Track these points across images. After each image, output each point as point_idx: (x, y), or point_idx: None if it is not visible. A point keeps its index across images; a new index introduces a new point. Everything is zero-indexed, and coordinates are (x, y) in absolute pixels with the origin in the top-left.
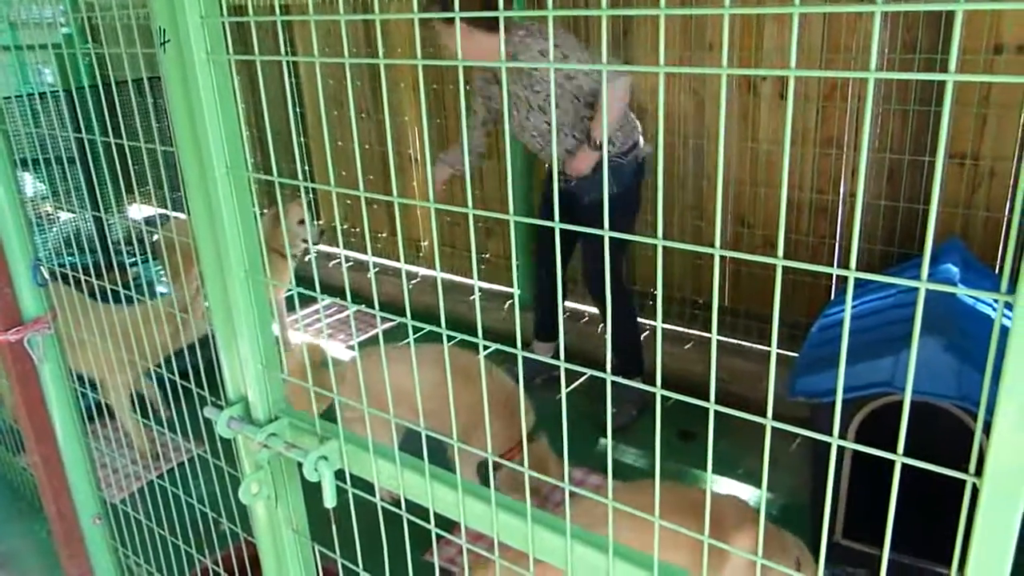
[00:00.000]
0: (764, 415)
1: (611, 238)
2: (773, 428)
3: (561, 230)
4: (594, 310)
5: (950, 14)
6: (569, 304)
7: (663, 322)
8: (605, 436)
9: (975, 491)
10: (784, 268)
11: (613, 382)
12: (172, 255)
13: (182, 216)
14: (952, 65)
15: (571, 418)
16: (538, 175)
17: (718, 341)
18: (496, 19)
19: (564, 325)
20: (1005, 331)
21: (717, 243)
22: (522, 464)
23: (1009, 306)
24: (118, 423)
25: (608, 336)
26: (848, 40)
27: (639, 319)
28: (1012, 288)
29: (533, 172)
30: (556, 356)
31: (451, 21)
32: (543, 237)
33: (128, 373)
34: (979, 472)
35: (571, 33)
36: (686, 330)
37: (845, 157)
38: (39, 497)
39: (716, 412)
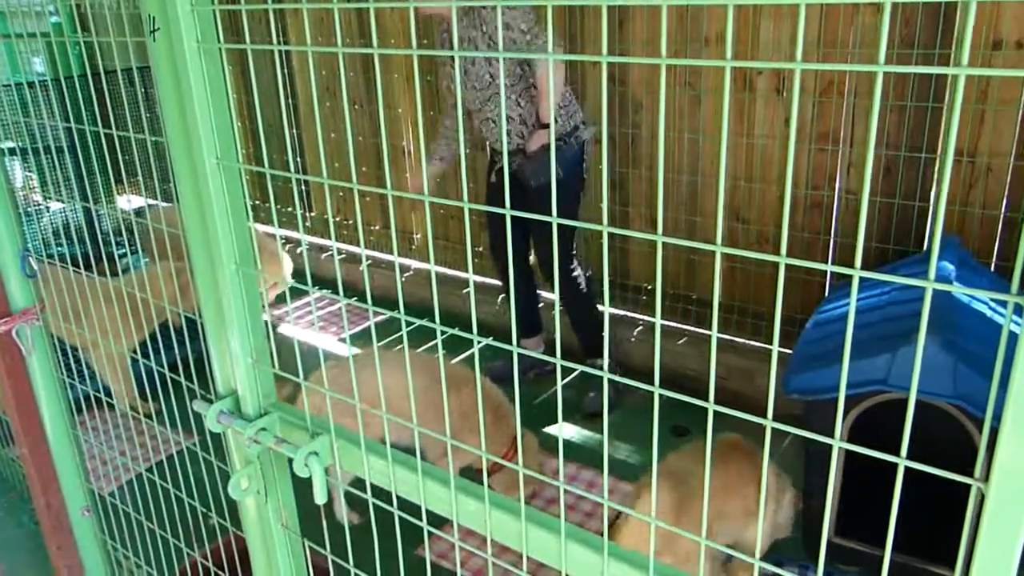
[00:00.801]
0: (759, 412)
1: (559, 226)
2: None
3: (512, 218)
4: None
5: (949, 9)
6: (550, 296)
7: (656, 317)
8: (595, 430)
9: (981, 496)
10: (787, 264)
11: (586, 365)
12: (157, 244)
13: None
14: (965, 58)
15: (563, 412)
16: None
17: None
18: None
19: (550, 319)
20: (1011, 333)
21: (719, 240)
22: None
23: (1019, 308)
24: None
25: (586, 322)
26: (845, 35)
27: (619, 311)
28: (1023, 289)
29: None
30: (548, 351)
31: None
32: (493, 227)
33: (124, 343)
34: (986, 477)
35: None
36: (680, 325)
37: (840, 153)
38: (28, 488)
39: (717, 410)
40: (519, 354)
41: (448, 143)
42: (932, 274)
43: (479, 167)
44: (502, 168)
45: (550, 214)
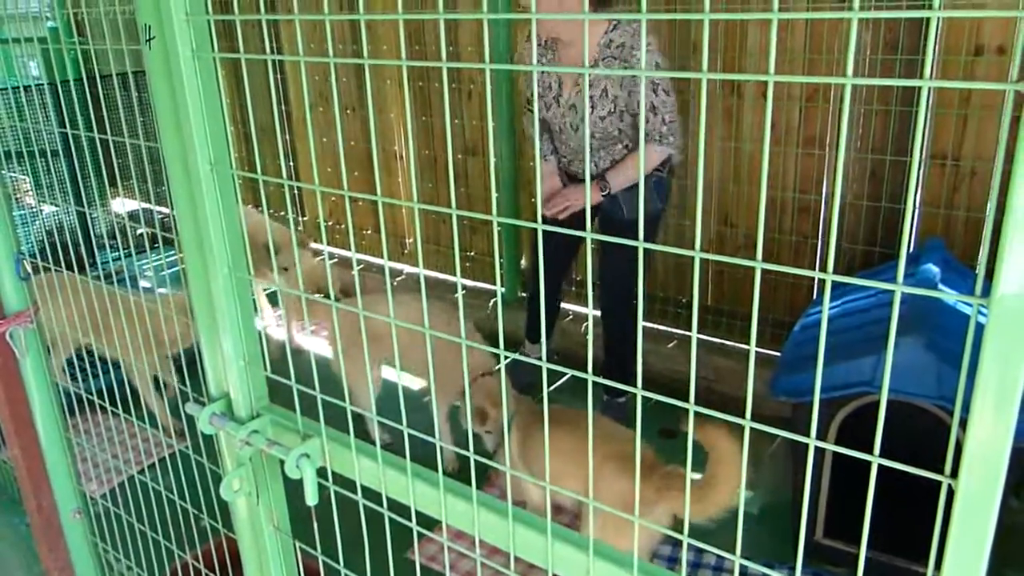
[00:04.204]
0: (745, 415)
1: (636, 259)
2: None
3: (565, 240)
4: (586, 311)
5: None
6: (565, 305)
7: (646, 320)
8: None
9: (951, 492)
10: (766, 268)
11: (603, 400)
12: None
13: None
14: (927, 71)
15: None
16: (525, 174)
17: (702, 340)
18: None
19: (562, 327)
20: (981, 330)
21: (698, 246)
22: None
23: (985, 308)
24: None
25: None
26: (831, 41)
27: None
28: (987, 291)
29: (520, 170)
30: (548, 358)
31: None
32: (548, 250)
33: (148, 358)
34: (955, 473)
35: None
36: (669, 329)
37: (827, 157)
38: (19, 490)
39: (698, 411)
40: (519, 366)
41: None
42: (900, 276)
43: (471, 172)
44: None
45: (636, 246)
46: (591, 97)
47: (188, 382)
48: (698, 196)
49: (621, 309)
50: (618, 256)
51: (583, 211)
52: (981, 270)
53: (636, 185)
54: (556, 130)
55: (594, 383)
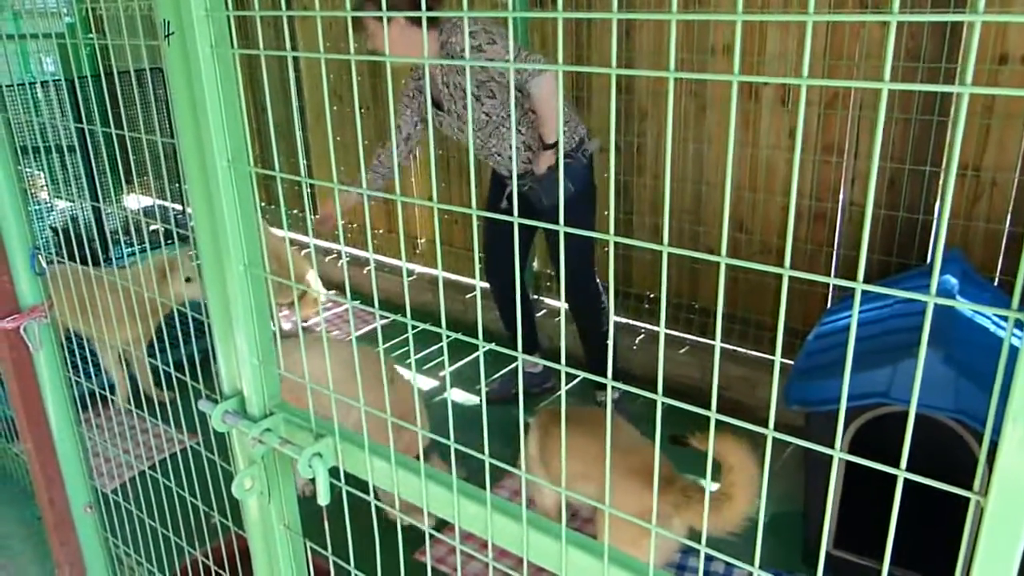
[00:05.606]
0: (759, 422)
1: (579, 239)
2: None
3: (513, 237)
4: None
5: (955, 23)
6: (551, 302)
7: (658, 326)
8: None
9: (979, 509)
10: (781, 275)
11: (596, 400)
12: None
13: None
14: (968, 77)
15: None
16: (482, 178)
17: (714, 347)
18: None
19: (549, 326)
20: (1012, 348)
21: (724, 251)
22: None
23: (1019, 323)
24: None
25: (609, 345)
26: (851, 48)
27: (621, 319)
28: (1023, 305)
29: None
30: (543, 368)
31: (384, 20)
32: (493, 246)
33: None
34: (984, 490)
35: (502, 25)
36: (681, 334)
37: (845, 165)
38: (32, 483)
39: (719, 419)
40: (519, 374)
41: (377, 178)
42: (934, 288)
43: (485, 174)
44: (512, 193)
45: (575, 234)
46: (478, 86)
47: (201, 379)
48: (725, 201)
49: (583, 300)
50: (558, 247)
51: (523, 201)
52: (1019, 282)
53: (547, 174)
54: (476, 145)
55: (585, 380)
